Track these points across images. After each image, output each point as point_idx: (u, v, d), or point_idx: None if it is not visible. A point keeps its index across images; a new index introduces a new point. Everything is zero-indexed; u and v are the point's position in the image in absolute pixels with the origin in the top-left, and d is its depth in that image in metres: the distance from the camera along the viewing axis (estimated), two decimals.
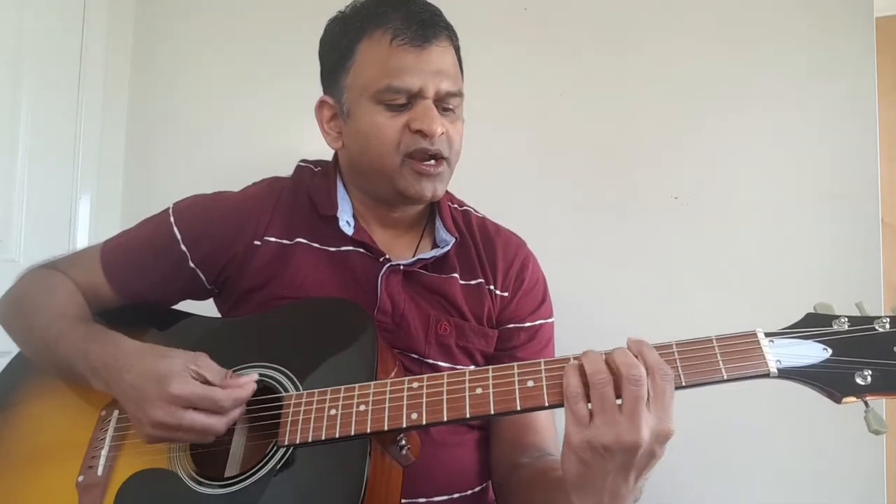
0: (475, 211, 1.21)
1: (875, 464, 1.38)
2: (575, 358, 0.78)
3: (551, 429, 1.09)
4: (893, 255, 1.55)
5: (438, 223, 1.12)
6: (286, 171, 1.17)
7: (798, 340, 0.74)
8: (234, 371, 0.91)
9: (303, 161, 1.18)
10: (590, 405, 0.73)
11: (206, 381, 0.86)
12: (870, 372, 0.70)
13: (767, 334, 0.74)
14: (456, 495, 1.04)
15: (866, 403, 0.71)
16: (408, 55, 0.98)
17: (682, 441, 1.47)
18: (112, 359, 0.91)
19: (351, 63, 1.02)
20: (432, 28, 1.00)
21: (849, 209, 1.42)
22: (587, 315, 1.46)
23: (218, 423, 0.85)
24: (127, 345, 0.93)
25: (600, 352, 0.75)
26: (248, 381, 0.88)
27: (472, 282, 1.10)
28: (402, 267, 1.06)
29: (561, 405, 0.76)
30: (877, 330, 0.72)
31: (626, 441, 0.70)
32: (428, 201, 1.07)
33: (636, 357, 0.73)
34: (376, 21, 1.00)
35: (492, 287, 1.11)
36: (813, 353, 0.73)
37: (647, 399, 0.71)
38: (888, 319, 0.72)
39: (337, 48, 1.05)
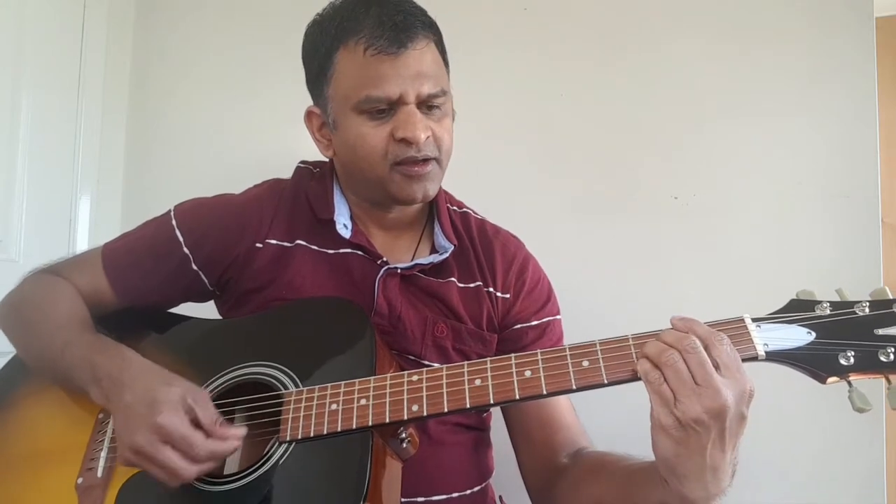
0: (474, 213, 1.20)
1: (875, 464, 1.37)
2: (571, 348, 0.80)
3: (577, 422, 1.08)
4: (893, 255, 1.55)
5: (437, 229, 1.12)
6: (286, 171, 1.18)
7: (783, 325, 0.78)
8: (236, 368, 0.91)
9: (302, 162, 1.18)
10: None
11: (195, 420, 0.83)
12: (852, 353, 0.74)
13: (754, 319, 0.78)
14: (455, 495, 1.04)
15: (850, 383, 0.75)
16: (383, 64, 0.95)
17: None
18: (118, 372, 0.90)
19: (330, 73, 1.01)
20: (406, 31, 0.96)
21: (849, 209, 1.42)
22: (587, 315, 1.46)
23: (187, 469, 0.82)
24: (136, 361, 0.92)
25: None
26: (234, 435, 0.85)
27: (471, 285, 1.10)
28: (399, 270, 1.06)
29: (558, 393, 0.79)
30: (857, 314, 0.76)
31: (713, 407, 0.72)
32: (420, 203, 1.06)
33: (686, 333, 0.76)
34: (349, 28, 0.97)
35: (491, 289, 1.11)
36: (798, 336, 0.77)
37: (717, 367, 0.73)
38: (867, 304, 0.76)
39: (316, 57, 1.03)
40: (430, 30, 1.01)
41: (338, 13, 1.00)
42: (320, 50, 1.02)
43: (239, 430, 0.86)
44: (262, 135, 1.82)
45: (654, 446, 0.77)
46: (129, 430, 0.84)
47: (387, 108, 0.98)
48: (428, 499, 1.01)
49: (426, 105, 0.99)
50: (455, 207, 1.19)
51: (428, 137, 0.98)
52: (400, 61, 0.96)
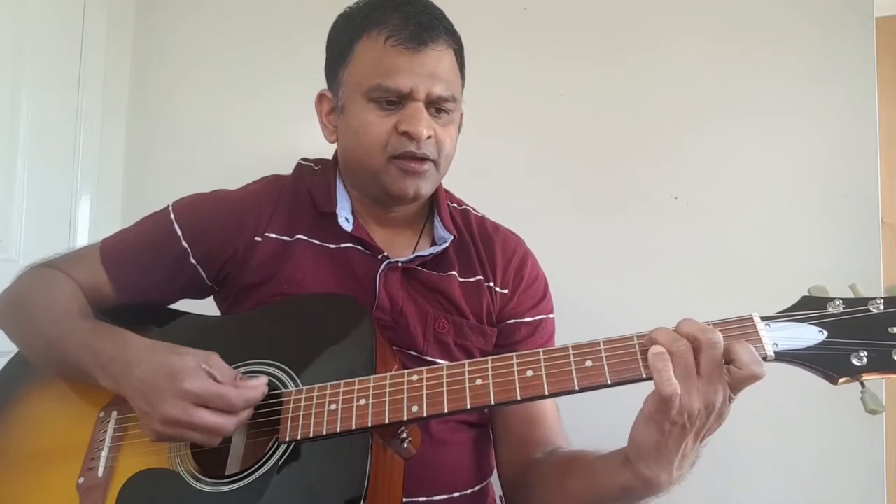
0: (474, 210, 1.21)
1: (875, 464, 1.38)
2: (574, 347, 0.78)
3: (558, 422, 1.08)
4: (893, 255, 1.55)
5: (437, 221, 1.13)
6: (285, 170, 1.18)
7: (794, 324, 0.75)
8: (235, 367, 0.91)
9: (303, 159, 1.18)
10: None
11: (216, 381, 0.85)
12: (865, 352, 0.71)
13: (763, 318, 0.76)
14: (456, 494, 1.04)
15: (862, 384, 0.72)
16: (401, 56, 0.98)
17: None
18: (121, 354, 0.90)
19: (349, 59, 1.03)
20: (429, 31, 0.99)
21: (849, 209, 1.42)
22: (587, 315, 1.46)
23: (227, 423, 0.84)
24: (136, 340, 0.93)
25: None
26: (259, 384, 0.87)
27: (471, 279, 1.11)
28: (400, 264, 1.06)
29: (559, 394, 0.78)
30: (871, 311, 0.73)
31: (710, 403, 0.72)
32: (411, 200, 1.06)
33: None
34: (375, 20, 1.00)
35: (491, 284, 1.11)
36: (809, 335, 0.74)
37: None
38: (882, 301, 0.73)
39: (338, 44, 1.05)
40: (452, 38, 1.04)
41: (367, 5, 1.04)
42: (344, 37, 1.04)
43: (260, 380, 0.88)
44: (262, 135, 1.82)
45: (637, 432, 0.77)
46: (156, 404, 0.84)
47: (396, 101, 0.99)
48: (429, 499, 1.01)
49: (435, 107, 1.01)
50: (455, 205, 1.19)
51: (430, 137, 0.99)
52: (417, 58, 0.98)
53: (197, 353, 0.88)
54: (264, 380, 0.88)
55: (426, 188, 1.05)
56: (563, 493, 0.96)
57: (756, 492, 1.42)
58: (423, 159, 1.01)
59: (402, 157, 1.00)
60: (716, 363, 0.73)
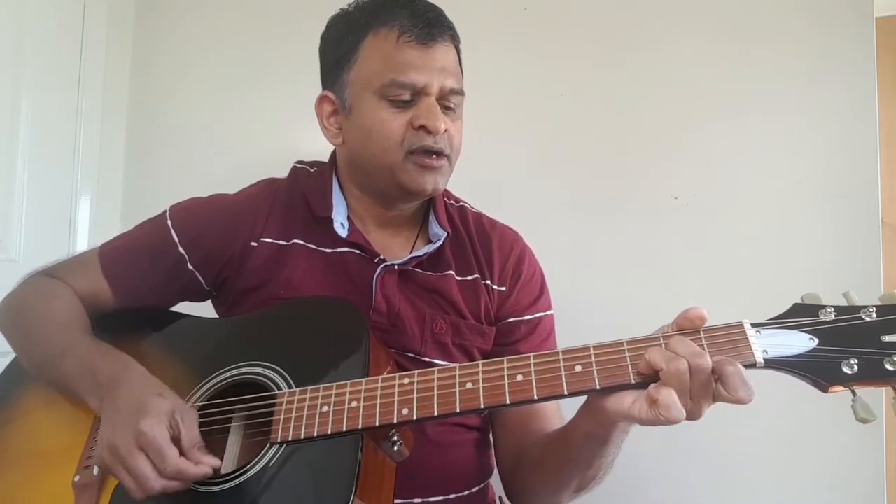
0: (471, 207, 1.21)
1: (875, 464, 1.37)
2: (564, 352, 0.78)
3: (557, 414, 1.08)
4: (893, 255, 1.54)
5: (432, 218, 1.13)
6: (285, 170, 1.17)
7: (785, 331, 0.74)
8: (230, 368, 0.91)
9: (298, 162, 1.18)
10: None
11: (177, 437, 0.82)
12: (856, 361, 0.70)
13: (754, 325, 0.75)
14: (452, 496, 1.04)
15: (853, 392, 0.71)
16: (414, 52, 0.99)
17: (679, 442, 1.46)
18: (118, 375, 0.90)
19: (355, 58, 1.03)
20: (437, 27, 1.02)
21: (849, 209, 1.42)
22: (588, 315, 1.46)
23: (153, 480, 0.80)
24: (137, 369, 0.92)
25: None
26: (207, 462, 0.82)
27: (468, 277, 1.10)
28: (396, 267, 1.06)
29: (548, 399, 0.77)
30: (863, 319, 0.72)
31: (693, 416, 0.73)
32: (429, 195, 1.07)
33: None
34: (382, 18, 1.02)
35: (488, 282, 1.11)
36: (799, 342, 0.73)
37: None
38: (875, 309, 0.72)
39: (341, 44, 1.05)
40: (454, 33, 1.06)
41: (369, 6, 1.05)
42: (347, 37, 1.04)
43: (213, 461, 0.84)
44: (262, 135, 1.82)
45: (629, 405, 0.75)
46: (111, 430, 0.84)
47: (409, 99, 1.00)
48: (425, 500, 1.01)
49: (443, 104, 1.02)
50: (452, 202, 1.19)
51: (445, 131, 1.01)
52: (429, 54, 1.00)
53: (179, 403, 0.87)
54: (215, 462, 0.84)
55: (442, 183, 1.06)
56: (543, 467, 0.97)
57: (755, 493, 1.42)
58: (440, 154, 1.02)
59: (418, 153, 1.00)
60: (704, 386, 0.71)
